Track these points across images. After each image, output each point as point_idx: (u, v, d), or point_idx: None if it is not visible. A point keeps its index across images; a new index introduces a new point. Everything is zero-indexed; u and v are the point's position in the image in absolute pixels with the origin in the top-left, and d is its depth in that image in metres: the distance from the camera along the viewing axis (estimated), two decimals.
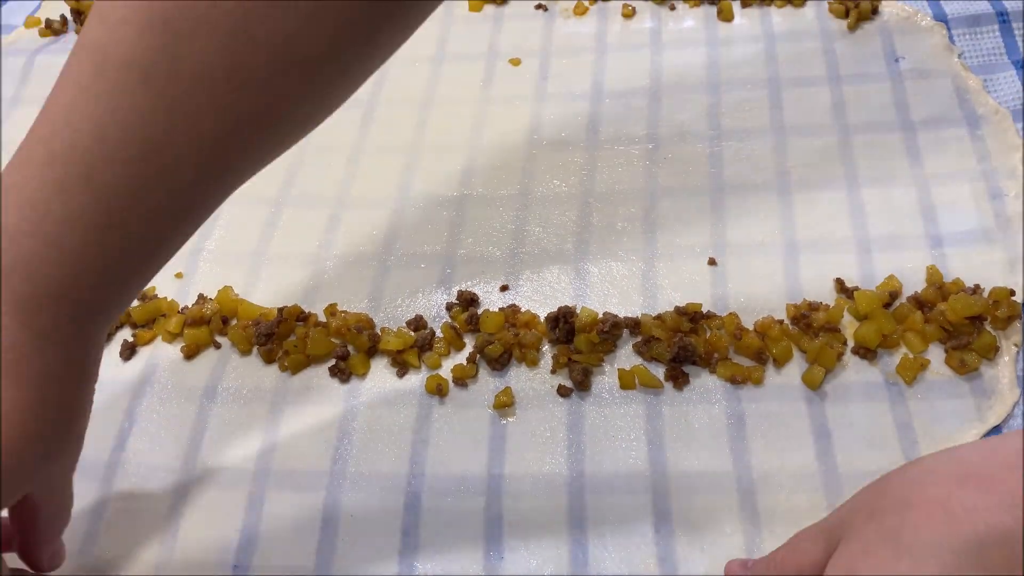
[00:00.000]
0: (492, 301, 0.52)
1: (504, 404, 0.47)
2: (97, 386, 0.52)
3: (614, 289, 0.51)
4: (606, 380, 0.48)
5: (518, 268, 0.53)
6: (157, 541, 0.45)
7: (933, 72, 0.59)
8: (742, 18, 0.66)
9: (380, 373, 0.50)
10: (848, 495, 0.42)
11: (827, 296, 0.50)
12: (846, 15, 0.64)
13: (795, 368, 0.47)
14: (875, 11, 0.64)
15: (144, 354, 0.52)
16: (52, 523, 0.40)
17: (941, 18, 0.63)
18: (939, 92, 0.58)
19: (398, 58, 0.66)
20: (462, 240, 0.55)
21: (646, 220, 0.54)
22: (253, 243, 0.56)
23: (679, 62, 0.64)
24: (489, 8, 0.70)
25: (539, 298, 0.52)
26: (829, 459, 0.44)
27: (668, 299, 0.50)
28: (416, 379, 0.49)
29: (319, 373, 0.50)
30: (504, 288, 0.52)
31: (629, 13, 0.67)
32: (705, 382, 0.47)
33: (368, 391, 0.49)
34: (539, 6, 0.69)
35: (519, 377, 0.49)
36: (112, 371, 0.52)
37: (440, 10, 0.70)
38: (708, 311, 0.49)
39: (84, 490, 0.47)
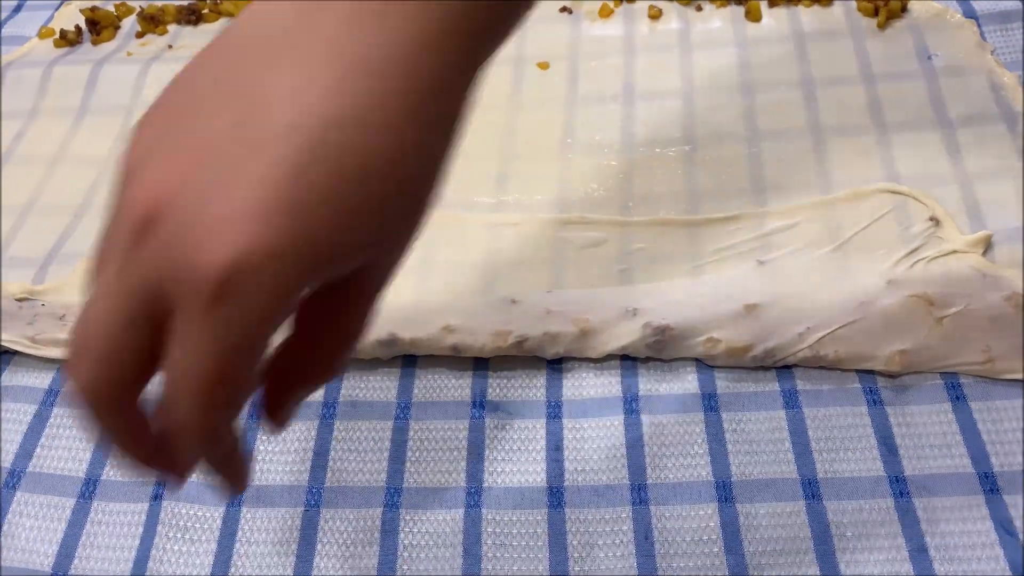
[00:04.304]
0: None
1: None
2: None
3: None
4: None
5: None
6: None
7: (967, 69, 0.59)
8: (770, 18, 0.65)
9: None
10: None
11: None
12: (875, 13, 0.64)
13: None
14: (904, 8, 0.63)
15: None
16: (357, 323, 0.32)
17: (970, 15, 0.62)
18: (975, 89, 0.58)
19: None
20: None
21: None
22: None
23: (710, 63, 0.63)
24: None
25: None
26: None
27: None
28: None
29: None
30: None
31: (656, 14, 0.67)
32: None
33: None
34: (564, 9, 0.68)
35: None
36: None
37: None
38: None
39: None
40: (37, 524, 0.47)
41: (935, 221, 0.51)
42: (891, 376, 0.47)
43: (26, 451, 0.49)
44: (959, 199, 0.53)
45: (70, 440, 0.49)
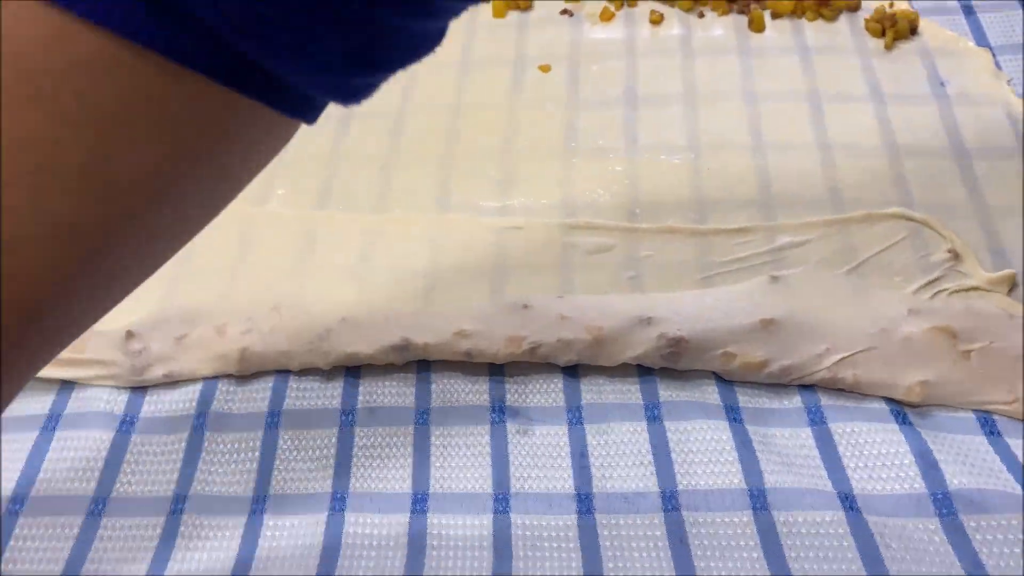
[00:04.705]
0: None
1: None
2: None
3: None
4: None
5: None
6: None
7: (982, 98, 0.57)
8: (773, 30, 0.63)
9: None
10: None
11: None
12: (882, 34, 0.62)
13: None
14: (914, 31, 0.62)
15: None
16: None
17: (983, 43, 0.61)
18: (991, 120, 0.56)
19: (425, 65, 0.62)
20: None
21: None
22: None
23: (713, 70, 0.61)
24: (513, 14, 0.66)
25: None
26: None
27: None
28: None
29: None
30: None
31: (657, 19, 0.64)
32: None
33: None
34: (564, 11, 0.66)
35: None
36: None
37: (464, 16, 0.65)
38: None
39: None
40: (43, 545, 0.43)
41: (954, 254, 0.49)
42: (911, 407, 0.44)
43: (28, 477, 0.46)
44: (979, 234, 0.50)
45: (76, 461, 0.46)
